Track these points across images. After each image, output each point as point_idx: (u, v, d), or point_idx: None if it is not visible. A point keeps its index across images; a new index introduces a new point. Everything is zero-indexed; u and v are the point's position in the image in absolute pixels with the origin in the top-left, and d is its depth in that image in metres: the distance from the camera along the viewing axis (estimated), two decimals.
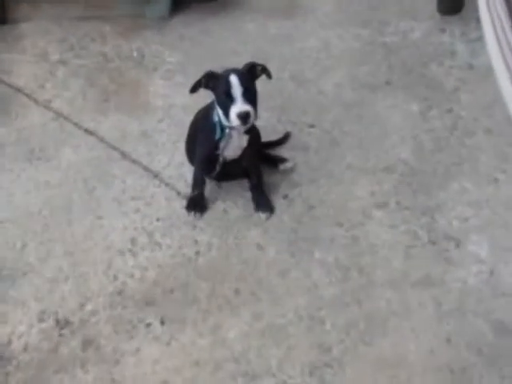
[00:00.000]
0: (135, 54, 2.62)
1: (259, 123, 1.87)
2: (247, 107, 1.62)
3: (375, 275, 1.61)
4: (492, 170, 1.87)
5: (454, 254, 1.63)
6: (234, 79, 1.62)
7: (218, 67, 1.75)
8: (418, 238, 1.69)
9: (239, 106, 1.62)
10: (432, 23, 2.59)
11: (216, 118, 1.72)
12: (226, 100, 1.63)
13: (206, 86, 1.68)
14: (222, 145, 1.75)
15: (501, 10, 1.38)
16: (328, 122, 2.19)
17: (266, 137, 2.05)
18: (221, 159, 1.79)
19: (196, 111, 1.89)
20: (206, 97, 1.82)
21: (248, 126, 1.66)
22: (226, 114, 1.64)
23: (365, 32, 2.60)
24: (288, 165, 2.01)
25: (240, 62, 1.77)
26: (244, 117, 1.62)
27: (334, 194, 1.90)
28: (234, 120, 1.63)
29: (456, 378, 1.38)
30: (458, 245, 1.66)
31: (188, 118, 1.95)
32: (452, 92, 2.24)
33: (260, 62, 1.71)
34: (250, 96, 1.63)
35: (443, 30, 2.55)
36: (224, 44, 2.57)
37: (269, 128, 2.16)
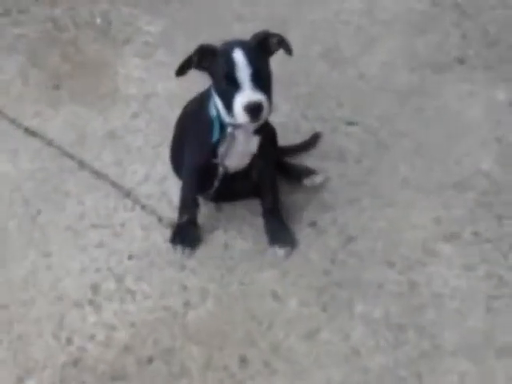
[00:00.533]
0: (98, 20, 2.77)
1: (276, 119, 1.99)
2: (258, 96, 1.70)
3: (443, 338, 1.71)
4: None
5: None
6: (239, 56, 1.71)
7: (216, 39, 1.87)
8: (504, 285, 1.80)
9: (247, 95, 1.70)
10: None
11: (213, 112, 1.82)
12: (227, 86, 1.72)
13: (200, 67, 1.79)
14: (221, 150, 1.86)
15: None
16: (374, 117, 2.34)
17: (285, 139, 2.18)
18: (220, 171, 1.91)
19: (185, 102, 2.04)
20: (199, 82, 1.96)
21: (260, 122, 1.76)
22: (228, 106, 1.73)
23: None
24: (316, 179, 2.15)
25: (247, 32, 1.88)
26: (254, 110, 1.71)
27: (383, 221, 2.02)
28: (240, 114, 1.72)
29: None
30: None
31: (174, 113, 2.09)
32: None
33: (276, 31, 1.82)
34: (262, 80, 1.72)
35: None
36: (225, 5, 2.77)
37: (290, 126, 2.30)
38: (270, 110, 1.74)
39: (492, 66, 2.40)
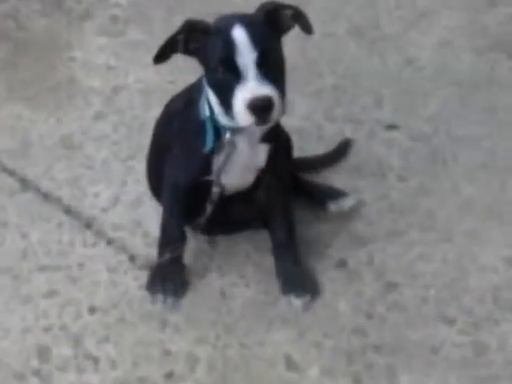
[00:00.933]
0: None
1: (292, 122, 2.09)
2: (267, 89, 1.72)
3: None
4: None
5: None
6: (240, 35, 1.74)
7: (208, 13, 1.94)
8: None
9: (252, 88, 1.73)
10: None
11: (206, 113, 1.88)
12: (225, 76, 1.76)
13: (187, 50, 1.82)
14: (217, 163, 1.91)
15: None
16: (424, 119, 2.43)
17: (304, 149, 2.27)
18: (215, 192, 1.97)
19: (167, 99, 2.10)
20: (186, 71, 2.04)
21: (269, 125, 1.81)
22: (227, 103, 1.77)
23: None
24: (347, 203, 2.22)
25: (248, 4, 1.91)
26: (261, 108, 1.73)
27: (437, 261, 2.09)
28: (243, 115, 1.75)
29: None
30: None
31: (151, 113, 2.18)
32: None
33: (291, 1, 1.84)
34: (272, 67, 1.75)
35: None
36: None
37: (310, 132, 2.38)
38: (283, 109, 1.78)
39: None
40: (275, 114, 1.75)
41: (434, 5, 2.80)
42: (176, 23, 1.85)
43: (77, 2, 2.83)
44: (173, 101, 2.08)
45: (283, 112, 1.79)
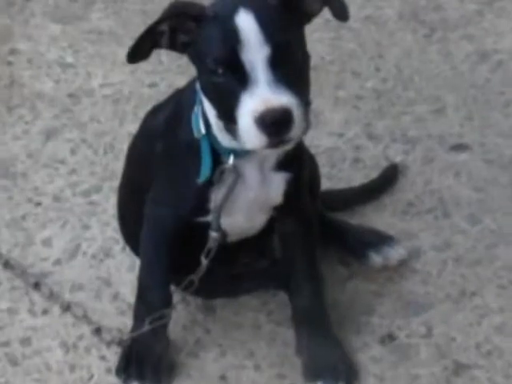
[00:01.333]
0: None
1: (321, 141, 2.12)
2: (284, 98, 1.69)
3: None
4: None
5: None
6: (247, 23, 1.73)
7: None
8: None
9: (264, 96, 1.70)
10: None
11: (201, 130, 1.89)
12: (227, 80, 1.74)
13: (173, 44, 1.82)
14: (215, 198, 1.92)
15: None
16: (507, 136, 2.42)
17: (336, 177, 2.30)
18: (214, 238, 1.96)
19: (145, 110, 2.13)
20: (171, 72, 2.08)
21: (287, 147, 1.79)
22: (229, 116, 1.76)
23: None
24: (396, 253, 2.24)
25: None
26: (277, 123, 1.70)
27: None
28: (252, 133, 1.72)
29: None
30: None
31: (124, 129, 2.20)
32: None
33: None
34: (291, 67, 1.73)
35: None
36: None
37: (345, 153, 2.39)
38: (307, 124, 1.76)
39: None
40: (296, 131, 1.73)
41: None
42: (160, 4, 1.87)
43: None
44: (154, 113, 2.11)
45: (307, 128, 1.77)
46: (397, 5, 2.81)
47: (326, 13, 1.80)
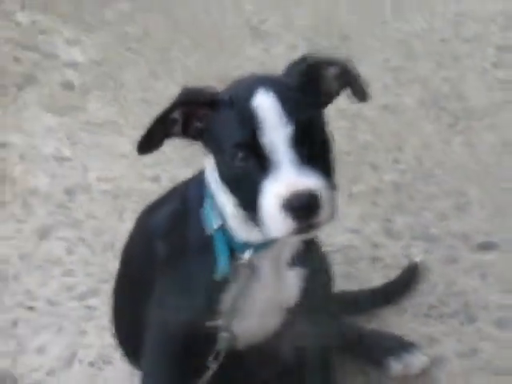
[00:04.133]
0: None
1: (335, 238, 2.00)
2: (310, 180, 1.47)
3: None
4: None
5: None
6: (266, 104, 1.52)
7: (209, 76, 1.85)
8: None
9: (288, 178, 1.48)
10: None
11: (215, 224, 1.65)
12: (247, 164, 1.52)
13: (186, 132, 1.59)
14: (228, 298, 1.66)
15: None
16: None
17: (352, 276, 2.09)
18: (223, 343, 1.71)
19: (143, 204, 1.88)
20: (174, 163, 1.86)
21: (313, 234, 1.57)
22: (252, 203, 1.53)
23: None
24: (417, 361, 1.97)
25: (273, 60, 1.90)
26: (304, 206, 1.47)
27: None
28: (279, 218, 1.48)
29: None
30: None
31: (123, 227, 1.98)
32: None
33: (335, 52, 1.67)
34: (315, 147, 1.53)
35: None
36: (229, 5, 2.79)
37: (361, 251, 2.17)
38: (336, 208, 1.51)
39: None
40: (324, 215, 1.48)
41: None
42: (162, 92, 1.80)
43: (15, 61, 2.66)
44: (150, 212, 1.83)
45: (335, 212, 1.50)
46: (417, 92, 2.59)
47: (341, 101, 1.59)
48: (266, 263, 1.65)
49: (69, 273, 2.25)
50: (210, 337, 1.70)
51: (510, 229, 2.40)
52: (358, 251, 2.19)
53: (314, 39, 2.33)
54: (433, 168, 2.46)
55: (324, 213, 1.48)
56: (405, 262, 2.21)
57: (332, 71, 1.58)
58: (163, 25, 2.56)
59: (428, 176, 2.49)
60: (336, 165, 1.58)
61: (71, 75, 2.55)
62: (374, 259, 2.19)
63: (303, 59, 1.59)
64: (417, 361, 1.96)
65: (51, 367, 2.06)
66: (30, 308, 2.16)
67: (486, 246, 2.31)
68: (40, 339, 2.11)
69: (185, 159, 1.87)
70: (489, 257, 2.34)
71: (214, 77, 1.86)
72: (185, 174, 1.81)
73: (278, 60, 1.79)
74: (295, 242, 1.65)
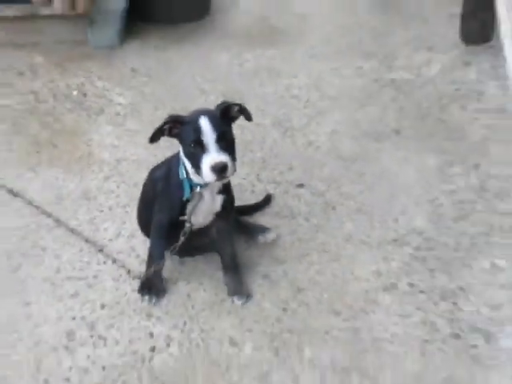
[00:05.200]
0: (75, 92, 3.70)
1: (234, 181, 2.65)
2: (223, 157, 2.29)
3: (383, 379, 2.46)
4: None
5: (484, 350, 2.51)
6: (205, 123, 2.31)
7: (182, 109, 2.60)
8: (436, 331, 2.61)
9: (213, 156, 2.28)
10: (454, 55, 3.80)
11: (183, 175, 2.48)
12: (196, 150, 2.32)
13: (170, 134, 2.41)
14: (189, 208, 2.51)
15: None
16: (321, 180, 3.27)
17: (241, 199, 2.95)
18: (187, 227, 2.56)
19: (151, 166, 2.83)
20: (162, 148, 2.77)
21: (225, 180, 2.41)
22: (197, 167, 2.32)
23: (367, 66, 3.81)
24: (269, 236, 2.98)
25: (208, 103, 2.64)
26: (220, 169, 2.28)
27: (329, 274, 2.86)
28: (208, 174, 2.30)
29: None
30: (488, 339, 2.55)
31: (141, 176, 2.89)
32: (479, 143, 3.36)
33: (235, 102, 2.52)
34: (226, 143, 2.33)
35: (468, 64, 3.73)
36: (189, 80, 3.77)
37: (245, 188, 3.15)
38: (234, 169, 2.36)
39: (423, 137, 3.38)
40: (229, 172, 2.34)
41: (327, 106, 3.58)
42: (158, 117, 2.62)
43: (94, 103, 3.57)
44: (155, 170, 2.73)
45: (234, 171, 2.36)
46: (270, 118, 3.81)
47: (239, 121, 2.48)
48: (206, 193, 2.45)
49: (118, 196, 3.26)
50: (181, 224, 2.52)
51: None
52: (244, 188, 3.21)
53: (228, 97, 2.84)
54: None
55: (229, 171, 2.27)
56: (264, 193, 3.21)
57: (235, 108, 2.40)
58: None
59: None
60: (236, 150, 2.41)
61: (119, 109, 3.60)
62: (252, 192, 3.20)
63: (223, 102, 2.41)
64: (270, 236, 2.95)
65: (111, 238, 2.99)
66: (101, 211, 3.15)
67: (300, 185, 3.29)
68: (106, 225, 3.07)
69: (168, 146, 2.70)
70: (301, 191, 3.27)
71: (183, 108, 2.59)
72: (168, 153, 2.70)
73: (211, 105, 2.52)
74: (219, 183, 2.41)
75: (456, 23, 4.06)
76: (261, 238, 3.02)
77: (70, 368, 2.54)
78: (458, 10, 4.10)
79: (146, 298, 2.76)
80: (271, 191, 3.30)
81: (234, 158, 2.36)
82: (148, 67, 3.91)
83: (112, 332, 2.67)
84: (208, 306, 2.77)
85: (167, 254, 2.75)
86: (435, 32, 4.09)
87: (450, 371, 2.49)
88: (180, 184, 2.51)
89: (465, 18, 3.91)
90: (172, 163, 2.61)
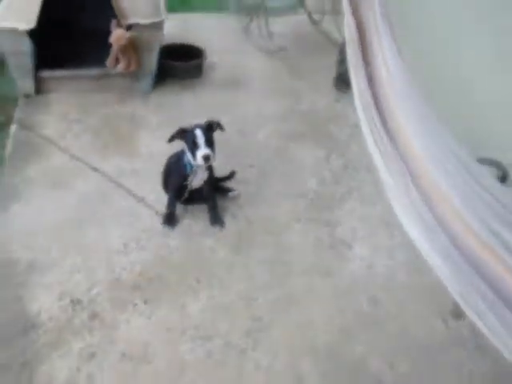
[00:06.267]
0: (129, 117, 5.37)
1: (214, 164, 4.07)
2: (208, 151, 3.72)
3: (293, 267, 4.02)
4: (372, 196, 4.68)
5: (347, 253, 4.24)
6: (198, 132, 3.73)
7: (186, 124, 3.89)
8: (322, 243, 4.31)
9: (203, 151, 3.69)
10: (330, 96, 5.91)
11: (187, 160, 3.97)
12: (193, 146, 3.73)
13: (179, 138, 3.84)
14: (190, 178, 4.01)
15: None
16: (262, 162, 4.87)
17: (218, 173, 4.37)
18: (189, 188, 4.04)
19: (169, 156, 4.34)
20: (177, 146, 4.15)
21: (209, 164, 3.84)
22: (194, 156, 3.75)
23: (286, 101, 5.85)
24: (234, 193, 4.49)
25: (201, 121, 3.89)
26: (206, 158, 3.71)
27: (267, 213, 4.48)
28: (199, 160, 3.72)
29: (343, 335, 3.68)
30: (349, 247, 4.32)
31: (163, 161, 4.43)
32: (345, 143, 5.32)
33: (215, 120, 3.98)
34: (210, 143, 3.74)
35: (338, 101, 5.89)
36: (190, 109, 5.45)
37: (221, 167, 4.44)
38: (214, 159, 3.81)
39: (317, 139, 5.30)
40: (211, 160, 3.80)
41: (267, 120, 5.47)
42: (175, 129, 3.86)
43: (139, 121, 5.18)
44: (171, 157, 4.24)
45: (214, 159, 3.84)
46: (235, 127, 5.36)
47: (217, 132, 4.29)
48: (199, 170, 3.86)
49: (150, 170, 4.65)
50: (186, 186, 3.93)
51: None
52: (219, 168, 4.39)
53: (211, 118, 4.13)
54: None
55: (211, 159, 3.72)
56: (232, 169, 4.63)
57: (215, 123, 3.83)
58: None
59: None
60: (215, 147, 3.81)
61: (152, 125, 5.31)
62: (223, 169, 4.57)
63: (208, 120, 3.83)
64: (235, 193, 4.37)
65: (148, 194, 4.47)
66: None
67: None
68: (147, 187, 4.51)
69: (180, 144, 3.80)
70: (251, 169, 4.95)
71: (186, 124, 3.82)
72: (177, 148, 4.04)
73: (202, 121, 3.84)
74: (206, 165, 3.78)
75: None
76: (229, 194, 4.59)
77: (126, 262, 4.04)
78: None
79: (166, 226, 4.32)
80: (235, 169, 4.77)
81: (214, 152, 3.81)
82: (167, 103, 5.75)
83: (148, 244, 4.20)
84: (200, 231, 4.36)
85: (178, 203, 4.38)
86: (321, 83, 6.27)
87: (329, 264, 4.10)
88: (185, 165, 4.07)
89: (336, 76, 6.09)
90: (180, 154, 4.10)
